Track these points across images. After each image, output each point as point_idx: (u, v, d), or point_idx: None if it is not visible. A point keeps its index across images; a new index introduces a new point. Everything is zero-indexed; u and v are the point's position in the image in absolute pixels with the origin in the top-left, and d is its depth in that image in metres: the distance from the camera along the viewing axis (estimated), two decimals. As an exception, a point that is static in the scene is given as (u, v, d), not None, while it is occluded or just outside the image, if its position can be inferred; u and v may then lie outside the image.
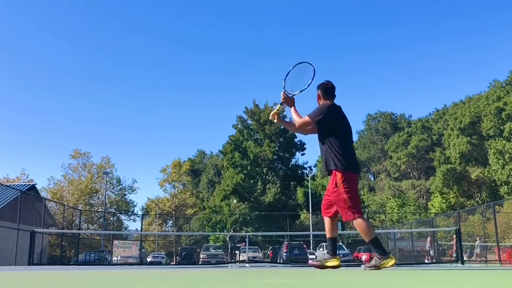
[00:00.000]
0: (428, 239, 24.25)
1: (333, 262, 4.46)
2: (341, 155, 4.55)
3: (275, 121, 4.91)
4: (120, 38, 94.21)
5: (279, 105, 4.81)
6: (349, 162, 4.57)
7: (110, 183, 49.37)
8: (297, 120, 4.76)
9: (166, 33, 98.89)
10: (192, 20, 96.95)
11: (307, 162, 56.32)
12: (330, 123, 4.62)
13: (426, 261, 22.34)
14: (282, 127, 51.34)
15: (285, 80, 4.87)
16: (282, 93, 4.79)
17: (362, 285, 2.32)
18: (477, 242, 23.32)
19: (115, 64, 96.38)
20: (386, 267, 4.28)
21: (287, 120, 5.05)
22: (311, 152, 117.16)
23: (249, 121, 52.57)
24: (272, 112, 4.82)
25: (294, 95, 4.83)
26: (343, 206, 4.47)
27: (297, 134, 51.87)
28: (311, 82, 4.80)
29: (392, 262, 4.27)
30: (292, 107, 4.82)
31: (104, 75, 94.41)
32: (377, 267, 4.30)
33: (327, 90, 4.79)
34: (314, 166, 66.75)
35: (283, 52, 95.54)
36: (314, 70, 4.83)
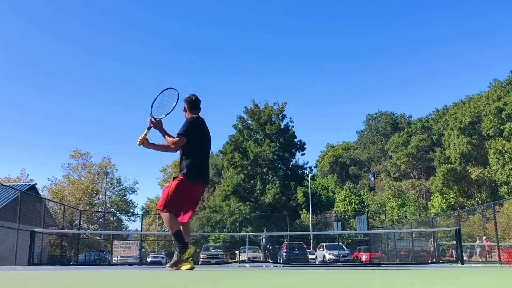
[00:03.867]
0: (431, 239, 24.32)
1: (186, 266, 4.59)
2: (192, 165, 4.90)
3: (144, 146, 5.04)
4: (121, 38, 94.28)
5: (146, 130, 5.02)
6: (195, 173, 4.89)
7: (111, 184, 49.41)
8: (170, 140, 4.95)
9: (167, 33, 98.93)
10: (192, 20, 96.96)
11: (307, 162, 56.37)
12: (192, 135, 4.95)
13: (429, 261, 22.35)
14: (282, 127, 51.31)
15: (151, 106, 5.15)
16: (149, 119, 5.03)
17: (362, 285, 2.32)
18: (477, 242, 23.34)
19: (116, 64, 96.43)
20: (182, 270, 4.48)
21: (156, 143, 5.11)
22: (311, 152, 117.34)
23: (249, 121, 52.57)
24: (140, 138, 4.97)
25: (160, 118, 5.07)
26: (163, 195, 4.87)
27: (297, 133, 51.94)
28: (175, 105, 5.04)
29: (188, 266, 4.55)
30: (161, 130, 5.05)
31: (105, 74, 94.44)
32: (177, 267, 4.60)
33: (191, 103, 5.13)
34: (314, 166, 66.83)
35: (283, 52, 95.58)
36: (178, 94, 5.08)
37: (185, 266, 4.63)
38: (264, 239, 23.34)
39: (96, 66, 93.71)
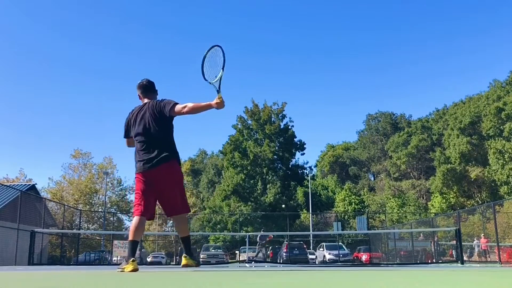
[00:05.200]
0: (435, 239, 24.36)
1: (128, 267, 4.27)
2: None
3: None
4: (123, 38, 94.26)
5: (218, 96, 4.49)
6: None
7: (111, 184, 49.41)
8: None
9: (168, 30, 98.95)
10: (194, 19, 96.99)
11: (307, 162, 56.36)
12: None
13: (429, 261, 22.36)
14: (282, 127, 51.25)
15: (203, 74, 4.73)
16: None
17: (362, 285, 2.32)
18: (475, 242, 23.35)
19: (116, 64, 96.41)
20: (125, 271, 4.22)
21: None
22: (311, 152, 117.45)
23: (249, 121, 52.57)
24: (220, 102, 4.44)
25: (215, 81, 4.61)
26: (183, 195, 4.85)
27: (297, 133, 51.93)
28: (223, 62, 4.58)
29: (131, 267, 4.23)
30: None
31: (106, 73, 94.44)
32: (122, 270, 4.30)
33: (144, 87, 4.89)
34: (314, 166, 66.87)
35: (283, 52, 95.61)
36: (221, 49, 4.64)
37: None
38: (258, 237, 23.41)
39: (97, 66, 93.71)
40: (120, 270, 4.27)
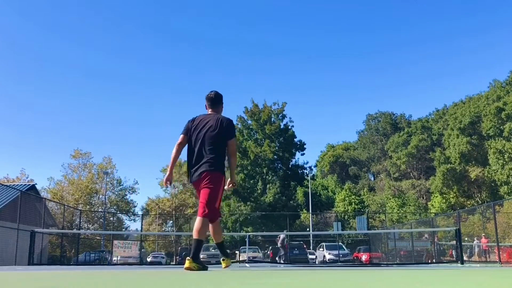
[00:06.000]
0: (435, 239, 24.37)
1: (186, 264, 4.65)
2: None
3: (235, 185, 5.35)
4: (123, 38, 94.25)
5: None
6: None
7: (111, 184, 49.41)
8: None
9: (168, 32, 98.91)
10: (192, 20, 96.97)
11: (307, 162, 56.33)
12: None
13: (429, 261, 22.35)
14: (282, 127, 51.16)
15: None
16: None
17: (362, 285, 2.32)
18: (475, 242, 23.35)
19: (116, 64, 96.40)
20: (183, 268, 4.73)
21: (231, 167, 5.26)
22: (311, 152, 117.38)
23: (249, 121, 52.56)
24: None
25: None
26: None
27: (297, 133, 51.93)
28: None
29: (186, 265, 4.62)
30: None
31: (105, 75, 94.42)
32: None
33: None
34: (314, 166, 66.85)
35: (283, 52, 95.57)
36: None
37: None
38: (280, 238, 23.57)
39: (97, 66, 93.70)
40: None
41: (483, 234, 22.78)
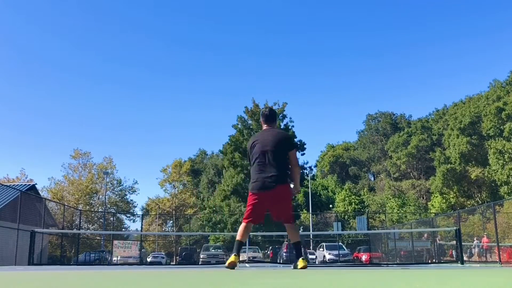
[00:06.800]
0: (438, 238, 24.36)
1: (230, 259, 5.06)
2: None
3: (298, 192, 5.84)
4: (123, 40, 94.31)
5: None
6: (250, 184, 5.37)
7: (111, 184, 49.40)
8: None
9: (168, 34, 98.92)
10: (193, 21, 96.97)
11: (307, 162, 56.19)
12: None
13: (429, 261, 22.34)
14: (282, 127, 51.27)
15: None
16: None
17: (362, 285, 2.31)
18: (474, 242, 23.34)
19: (117, 64, 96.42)
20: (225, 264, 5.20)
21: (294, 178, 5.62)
22: (311, 152, 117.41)
23: (249, 121, 52.51)
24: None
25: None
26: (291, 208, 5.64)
27: (297, 134, 51.99)
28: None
29: (230, 259, 5.05)
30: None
31: (105, 75, 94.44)
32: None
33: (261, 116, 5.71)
34: (314, 166, 66.81)
35: (284, 53, 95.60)
36: None
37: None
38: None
39: (97, 66, 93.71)
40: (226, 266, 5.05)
41: (485, 234, 22.76)
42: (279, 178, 5.12)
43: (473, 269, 5.16)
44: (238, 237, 5.34)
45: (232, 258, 5.05)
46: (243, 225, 5.33)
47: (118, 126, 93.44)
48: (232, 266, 4.99)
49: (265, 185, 5.12)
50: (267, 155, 5.19)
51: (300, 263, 5.24)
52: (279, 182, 5.12)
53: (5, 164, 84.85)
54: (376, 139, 64.45)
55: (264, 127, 5.50)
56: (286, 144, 5.32)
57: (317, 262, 29.12)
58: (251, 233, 29.79)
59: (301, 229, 28.60)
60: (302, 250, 5.51)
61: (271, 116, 5.56)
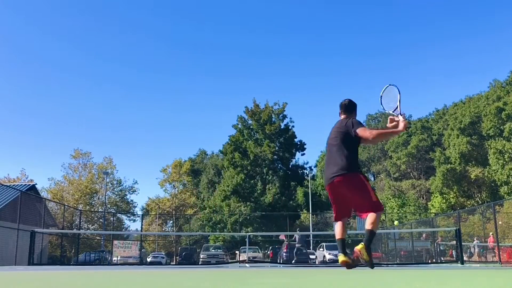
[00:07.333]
0: (439, 240, 24.37)
1: (340, 258, 4.99)
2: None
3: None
4: (123, 40, 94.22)
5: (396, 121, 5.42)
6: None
7: (111, 184, 49.41)
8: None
9: (168, 35, 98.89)
10: (193, 22, 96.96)
11: (307, 162, 56.29)
12: None
13: (429, 261, 22.35)
14: (282, 127, 51.22)
15: (381, 104, 5.69)
16: (390, 118, 5.43)
17: (362, 285, 2.32)
18: (474, 243, 23.35)
19: (117, 65, 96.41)
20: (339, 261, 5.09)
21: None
22: (311, 152, 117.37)
23: (249, 121, 52.51)
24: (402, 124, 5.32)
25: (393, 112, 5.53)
26: (372, 192, 5.29)
27: (297, 134, 51.96)
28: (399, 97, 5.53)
29: (342, 259, 4.96)
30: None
31: (105, 75, 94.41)
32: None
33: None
34: (315, 166, 66.74)
35: (284, 53, 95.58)
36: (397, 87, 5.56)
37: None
38: (297, 239, 23.56)
39: (97, 67, 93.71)
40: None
41: (491, 233, 22.72)
42: (347, 168, 4.97)
43: (473, 269, 5.16)
44: (336, 236, 5.20)
45: (341, 257, 4.94)
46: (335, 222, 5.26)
47: (118, 126, 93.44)
48: (347, 265, 4.91)
49: (333, 176, 5.02)
50: (335, 146, 5.16)
51: (358, 247, 4.88)
52: (347, 171, 4.95)
53: (5, 164, 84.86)
54: (376, 139, 64.44)
55: (341, 117, 5.43)
56: (350, 127, 5.12)
57: (317, 262, 29.11)
58: (251, 233, 29.82)
59: (298, 230, 28.48)
60: (370, 239, 4.98)
61: (350, 106, 5.42)
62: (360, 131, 5.00)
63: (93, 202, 48.99)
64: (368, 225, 4.99)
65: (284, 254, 25.76)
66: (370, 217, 4.96)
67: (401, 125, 5.18)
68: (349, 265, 4.92)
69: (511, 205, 29.54)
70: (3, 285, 2.46)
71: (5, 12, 77.96)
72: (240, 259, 22.25)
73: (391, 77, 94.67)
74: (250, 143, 50.50)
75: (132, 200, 52.96)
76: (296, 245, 23.63)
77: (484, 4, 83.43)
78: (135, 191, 52.29)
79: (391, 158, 57.73)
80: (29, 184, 30.76)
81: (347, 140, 5.08)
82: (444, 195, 45.09)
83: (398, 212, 46.14)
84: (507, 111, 41.11)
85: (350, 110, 5.39)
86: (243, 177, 48.56)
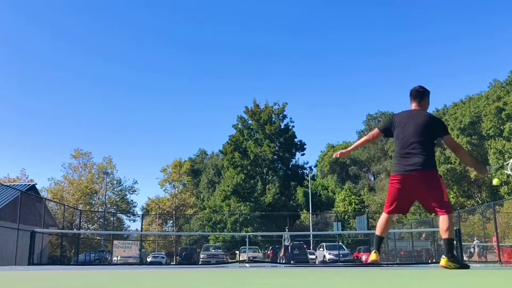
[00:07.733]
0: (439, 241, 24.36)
1: (372, 257, 4.85)
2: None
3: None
4: (123, 40, 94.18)
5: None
6: (393, 166, 5.04)
7: (111, 184, 49.41)
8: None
9: (168, 35, 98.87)
10: (193, 22, 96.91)
11: (307, 162, 56.31)
12: (383, 129, 5.33)
13: (429, 261, 22.34)
14: (282, 127, 51.20)
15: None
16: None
17: (362, 285, 2.32)
18: (474, 242, 23.35)
19: (116, 65, 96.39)
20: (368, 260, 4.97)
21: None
22: (311, 152, 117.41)
23: (249, 121, 52.52)
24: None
25: None
26: (445, 193, 5.19)
27: (297, 134, 51.94)
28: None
29: (373, 257, 4.84)
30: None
31: (105, 76, 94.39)
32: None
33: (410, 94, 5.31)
34: (314, 166, 66.76)
35: (284, 53, 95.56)
36: None
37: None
38: (287, 239, 23.51)
39: (97, 67, 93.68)
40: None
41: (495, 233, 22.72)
42: (428, 163, 4.83)
43: (473, 269, 5.16)
44: (377, 232, 5.00)
45: (374, 256, 4.80)
46: (383, 215, 5.01)
47: (118, 126, 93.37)
48: (375, 263, 4.84)
49: (414, 168, 4.79)
50: (416, 138, 4.88)
51: (442, 263, 4.62)
52: (429, 167, 4.83)
53: (5, 164, 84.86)
54: (376, 139, 64.42)
55: (413, 105, 5.14)
56: (438, 129, 5.01)
57: (317, 262, 29.13)
58: (251, 233, 29.81)
59: (287, 230, 28.48)
60: (451, 248, 4.70)
61: (424, 93, 5.17)
62: (449, 140, 5.05)
63: (93, 202, 48.99)
64: (443, 234, 4.76)
65: (283, 257, 25.81)
66: (443, 224, 4.76)
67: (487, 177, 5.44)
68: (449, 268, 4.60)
69: (511, 205, 29.54)
70: (3, 285, 2.46)
71: (5, 12, 77.97)
72: (240, 259, 22.25)
73: (391, 77, 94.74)
74: (250, 143, 50.51)
75: (132, 200, 53.00)
76: (285, 243, 23.58)
77: (484, 4, 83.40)
78: (135, 191, 52.32)
79: (391, 158, 57.69)
80: (29, 184, 30.77)
81: (432, 137, 4.93)
82: (444, 195, 45.07)
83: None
84: (507, 111, 41.11)
85: (423, 96, 5.12)
86: (243, 177, 48.57)
